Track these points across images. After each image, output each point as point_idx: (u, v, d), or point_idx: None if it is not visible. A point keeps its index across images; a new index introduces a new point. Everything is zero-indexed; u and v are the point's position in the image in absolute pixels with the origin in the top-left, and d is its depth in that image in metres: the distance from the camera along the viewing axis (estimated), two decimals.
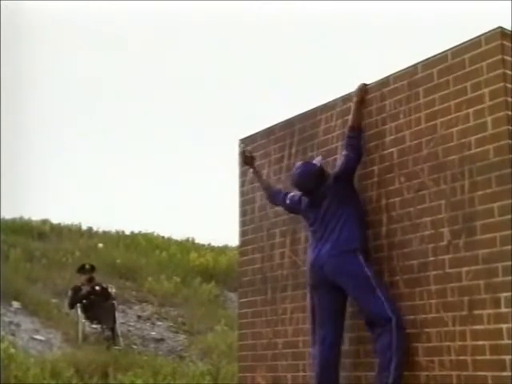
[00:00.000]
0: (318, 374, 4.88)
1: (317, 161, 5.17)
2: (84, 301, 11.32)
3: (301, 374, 5.40)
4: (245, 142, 6.32)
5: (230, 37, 38.33)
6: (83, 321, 11.25)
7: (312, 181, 5.01)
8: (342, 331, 4.93)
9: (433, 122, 4.64)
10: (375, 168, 5.00)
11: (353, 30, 36.52)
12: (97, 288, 11.54)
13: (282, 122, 5.96)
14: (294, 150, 5.75)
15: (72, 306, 11.49)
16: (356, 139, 4.98)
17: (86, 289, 11.39)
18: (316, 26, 36.56)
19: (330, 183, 4.95)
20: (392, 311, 4.60)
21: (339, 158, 5.05)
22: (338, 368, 4.89)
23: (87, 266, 11.69)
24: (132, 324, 12.60)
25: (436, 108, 4.63)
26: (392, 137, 4.91)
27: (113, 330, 11.19)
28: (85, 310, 11.29)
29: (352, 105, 5.13)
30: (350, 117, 5.10)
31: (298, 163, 5.21)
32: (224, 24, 36.81)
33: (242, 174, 6.30)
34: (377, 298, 4.63)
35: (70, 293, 11.51)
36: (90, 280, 11.58)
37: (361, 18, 34.95)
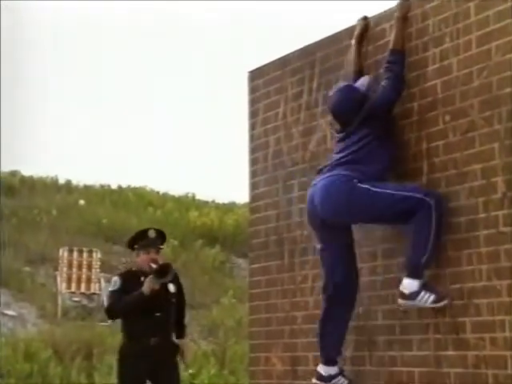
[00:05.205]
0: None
1: (363, 83, 5.11)
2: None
3: None
4: (254, 74, 6.27)
5: None
6: (63, 292, 11.32)
7: (351, 110, 4.99)
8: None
9: (486, 47, 4.57)
10: (415, 105, 4.97)
11: None
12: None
13: (299, 50, 5.91)
14: (315, 84, 5.71)
15: (112, 316, 7.09)
16: (398, 65, 4.97)
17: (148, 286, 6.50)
18: None
19: (363, 116, 4.94)
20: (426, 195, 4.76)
21: (378, 88, 5.00)
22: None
23: (151, 234, 6.85)
24: None
25: (490, 28, 4.55)
26: (435, 66, 4.86)
27: None
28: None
29: (394, 23, 5.07)
30: (392, 38, 5.05)
31: (339, 85, 5.17)
32: None
33: (253, 114, 6.27)
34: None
35: (116, 281, 6.80)
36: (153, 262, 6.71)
37: None
